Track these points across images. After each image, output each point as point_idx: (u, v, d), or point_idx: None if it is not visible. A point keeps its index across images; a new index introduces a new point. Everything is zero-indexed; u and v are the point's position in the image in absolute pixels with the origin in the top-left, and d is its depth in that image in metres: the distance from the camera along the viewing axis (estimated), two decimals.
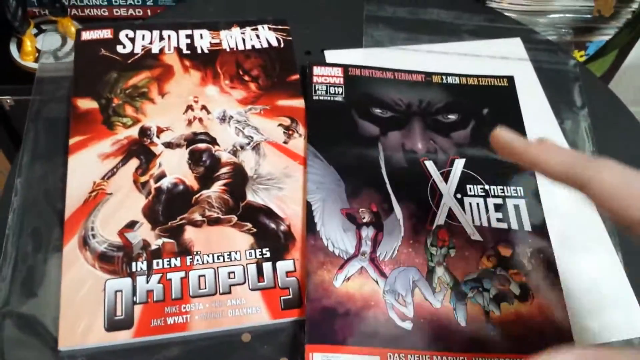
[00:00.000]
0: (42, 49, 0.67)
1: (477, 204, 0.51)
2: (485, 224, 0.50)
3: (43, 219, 0.48)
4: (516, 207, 0.51)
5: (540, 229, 0.51)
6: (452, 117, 0.57)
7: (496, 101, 0.59)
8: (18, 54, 0.83)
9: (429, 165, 0.53)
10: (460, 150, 0.55)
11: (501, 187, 0.52)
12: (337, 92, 0.57)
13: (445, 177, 0.53)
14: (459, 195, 0.51)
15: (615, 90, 0.65)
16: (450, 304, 0.46)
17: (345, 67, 0.59)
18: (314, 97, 0.57)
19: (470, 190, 0.52)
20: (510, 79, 0.61)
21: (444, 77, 0.60)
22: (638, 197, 0.30)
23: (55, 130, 0.54)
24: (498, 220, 0.50)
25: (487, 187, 0.52)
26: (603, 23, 0.95)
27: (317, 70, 0.59)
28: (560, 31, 0.71)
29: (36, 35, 0.84)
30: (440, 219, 0.50)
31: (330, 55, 0.63)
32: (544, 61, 0.65)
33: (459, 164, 0.53)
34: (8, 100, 0.86)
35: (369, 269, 0.47)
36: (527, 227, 0.50)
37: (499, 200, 0.52)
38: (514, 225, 0.50)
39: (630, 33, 0.95)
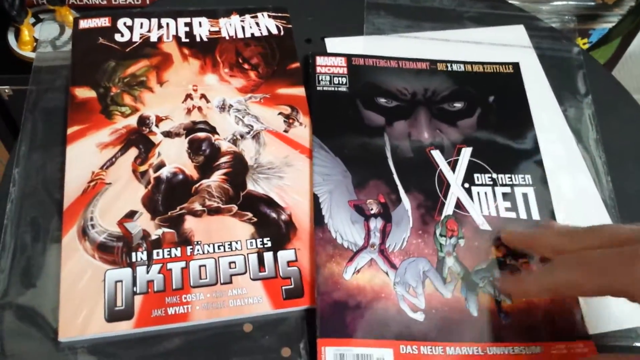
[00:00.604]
0: (40, 38, 0.66)
1: (485, 193, 0.51)
2: (493, 213, 0.50)
3: (41, 209, 0.48)
4: (524, 195, 0.51)
5: (549, 218, 0.50)
6: (458, 105, 0.56)
7: (502, 88, 0.58)
8: (16, 44, 0.82)
9: (436, 154, 0.53)
10: (466, 138, 0.54)
11: (509, 176, 0.52)
12: (341, 82, 0.57)
13: (453, 166, 0.52)
14: (466, 185, 0.51)
15: (618, 78, 0.64)
16: (461, 294, 0.45)
17: (349, 57, 0.59)
18: (318, 88, 0.56)
19: (478, 180, 0.51)
20: (516, 66, 0.60)
21: (448, 65, 0.59)
22: None
23: (53, 119, 0.53)
24: (507, 209, 0.50)
25: (494, 175, 0.52)
26: (606, 10, 0.94)
27: (320, 60, 0.58)
28: (564, 18, 0.70)
29: (34, 24, 0.83)
30: (449, 209, 0.50)
31: (331, 43, 0.62)
32: (548, 49, 0.64)
33: (466, 153, 0.53)
34: (6, 90, 0.85)
35: (378, 260, 0.46)
36: (536, 215, 0.50)
37: (507, 189, 0.51)
38: (523, 214, 0.50)
39: (633, 21, 0.94)
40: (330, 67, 0.58)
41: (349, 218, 0.48)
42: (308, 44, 0.63)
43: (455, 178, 0.51)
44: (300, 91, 0.57)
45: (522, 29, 0.66)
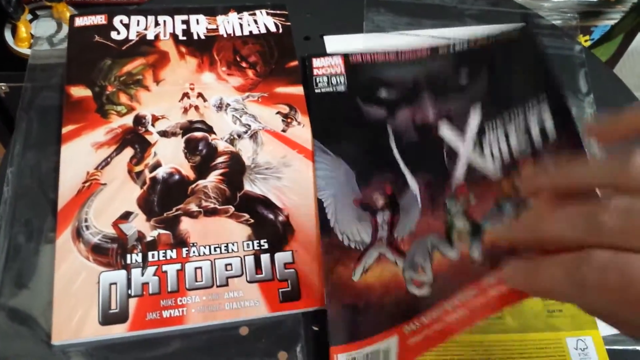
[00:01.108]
0: (36, 35, 0.65)
1: (498, 138, 0.48)
2: (506, 157, 0.47)
3: (36, 210, 0.47)
4: (542, 130, 0.48)
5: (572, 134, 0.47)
6: (464, 81, 0.53)
7: (511, 56, 0.55)
8: (13, 40, 0.81)
9: (444, 127, 0.50)
10: (475, 107, 0.51)
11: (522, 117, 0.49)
12: (339, 82, 0.55)
13: (461, 136, 0.49)
14: (477, 150, 0.48)
15: (619, 76, 0.64)
16: (468, 248, 0.44)
17: (346, 56, 0.57)
18: (316, 90, 0.55)
19: (490, 128, 0.49)
20: (525, 29, 0.57)
21: (450, 47, 0.56)
22: None
23: (48, 118, 0.52)
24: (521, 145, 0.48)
25: (506, 117, 0.49)
26: (608, 7, 0.93)
27: (316, 62, 0.57)
28: (565, 16, 0.69)
29: (31, 21, 0.82)
30: (459, 177, 0.47)
31: (330, 41, 0.62)
32: (549, 46, 0.63)
33: (475, 116, 0.50)
34: (3, 87, 0.85)
35: (387, 253, 0.45)
36: (553, 136, 0.48)
37: (521, 123, 0.49)
38: (539, 143, 0.47)
39: (635, 18, 0.94)
40: (327, 68, 0.56)
41: (355, 217, 0.47)
42: (307, 41, 0.62)
43: (465, 147, 0.49)
44: (298, 90, 0.56)
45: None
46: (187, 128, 0.52)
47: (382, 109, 0.53)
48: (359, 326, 0.42)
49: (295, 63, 0.58)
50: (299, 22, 0.62)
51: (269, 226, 0.47)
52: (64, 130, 0.50)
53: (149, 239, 0.45)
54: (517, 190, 0.43)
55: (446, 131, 0.50)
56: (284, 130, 0.53)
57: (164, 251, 0.45)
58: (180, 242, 0.45)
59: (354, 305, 0.43)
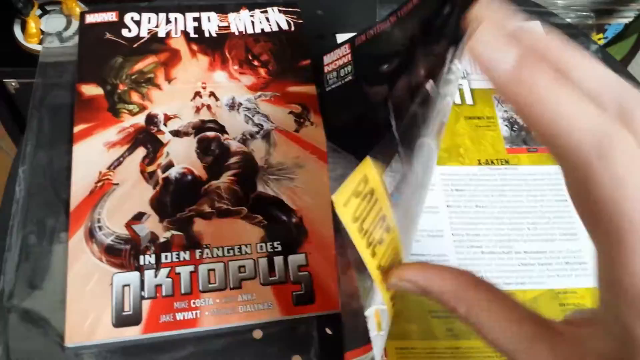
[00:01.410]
0: (46, 31, 0.65)
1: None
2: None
3: (48, 210, 0.47)
4: None
5: None
6: (444, 16, 0.38)
7: None
8: (22, 36, 0.81)
9: (429, 81, 0.37)
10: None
11: None
12: (347, 72, 0.54)
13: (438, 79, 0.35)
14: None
15: (633, 74, 0.63)
16: None
17: (352, 40, 0.54)
18: (327, 89, 0.54)
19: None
20: None
21: None
22: None
23: (60, 117, 0.52)
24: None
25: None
26: (623, 5, 0.92)
27: (327, 59, 0.56)
28: (580, 14, 0.69)
29: (40, 16, 0.82)
30: None
31: (343, 40, 0.61)
32: None
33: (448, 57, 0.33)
34: (13, 83, 0.84)
35: None
36: None
37: None
38: None
39: None
40: (336, 62, 0.55)
41: None
42: (320, 40, 0.61)
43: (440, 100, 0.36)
44: (311, 89, 0.55)
45: (538, 25, 0.65)
46: (200, 128, 0.52)
47: (384, 85, 0.49)
48: (366, 329, 0.41)
49: (307, 62, 0.57)
50: (311, 20, 0.61)
51: (282, 228, 0.47)
52: (76, 129, 0.50)
53: (162, 240, 0.45)
54: None
55: (429, 85, 0.38)
56: (296, 131, 0.53)
57: (177, 253, 0.45)
58: (193, 243, 0.45)
59: (361, 307, 0.42)
